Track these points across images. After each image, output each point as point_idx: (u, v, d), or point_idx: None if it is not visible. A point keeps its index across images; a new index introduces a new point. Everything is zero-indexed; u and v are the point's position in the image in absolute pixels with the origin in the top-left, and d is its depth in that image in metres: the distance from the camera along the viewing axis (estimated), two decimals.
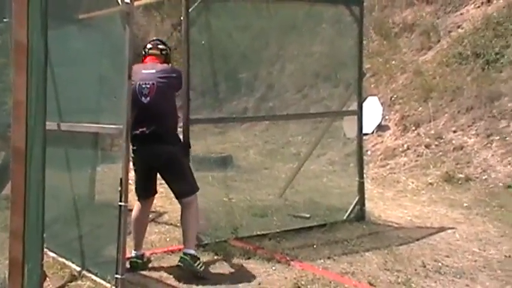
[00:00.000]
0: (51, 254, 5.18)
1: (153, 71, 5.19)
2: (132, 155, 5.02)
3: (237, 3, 7.34)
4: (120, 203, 4.31)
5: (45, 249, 4.12)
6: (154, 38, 5.84)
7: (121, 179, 4.32)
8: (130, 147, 4.96)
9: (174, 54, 6.11)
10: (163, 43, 5.57)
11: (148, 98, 5.07)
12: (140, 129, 5.01)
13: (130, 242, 5.11)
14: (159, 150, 5.05)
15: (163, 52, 5.44)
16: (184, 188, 5.19)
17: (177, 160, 5.18)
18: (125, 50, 4.32)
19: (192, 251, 5.08)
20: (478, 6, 12.06)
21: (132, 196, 5.23)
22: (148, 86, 5.09)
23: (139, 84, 5.08)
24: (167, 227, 6.55)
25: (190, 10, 5.72)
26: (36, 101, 2.83)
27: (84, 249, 5.06)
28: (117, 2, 4.41)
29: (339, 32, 11.26)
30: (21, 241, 3.01)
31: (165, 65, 5.33)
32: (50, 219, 4.36)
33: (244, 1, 7.71)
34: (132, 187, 5.13)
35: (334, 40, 12.17)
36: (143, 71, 5.18)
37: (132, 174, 5.10)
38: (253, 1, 8.02)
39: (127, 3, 4.30)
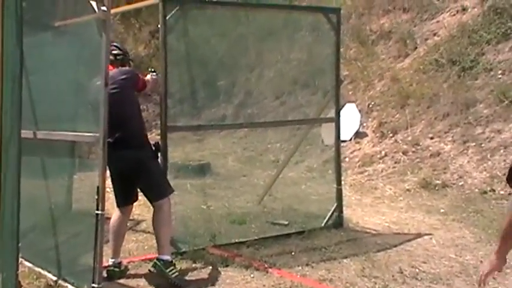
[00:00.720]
0: (27, 264, 5.12)
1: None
2: (108, 161, 5.03)
3: (215, 10, 7.34)
4: (97, 212, 4.29)
5: (20, 259, 4.09)
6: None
7: (98, 187, 4.30)
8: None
9: (152, 61, 6.09)
10: (118, 47, 5.44)
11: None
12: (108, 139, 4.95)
13: (107, 250, 5.07)
14: (125, 155, 4.98)
15: (118, 57, 5.30)
16: (154, 192, 5.15)
17: (144, 164, 5.11)
18: (102, 58, 4.31)
19: (165, 257, 5.04)
20: (454, 14, 12.19)
21: (110, 204, 5.20)
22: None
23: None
24: (145, 235, 6.51)
25: (167, 17, 5.71)
26: (11, 109, 2.81)
27: (61, 258, 5.02)
28: (94, 9, 4.39)
29: (316, 39, 11.33)
30: None
31: (114, 70, 5.09)
32: (26, 228, 4.31)
33: (222, 8, 7.71)
34: (110, 195, 5.11)
35: (312, 47, 12.23)
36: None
37: (110, 182, 5.08)
38: (232, 8, 8.04)
39: (103, 10, 4.29)
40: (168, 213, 5.19)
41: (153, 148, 5.29)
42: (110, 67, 5.14)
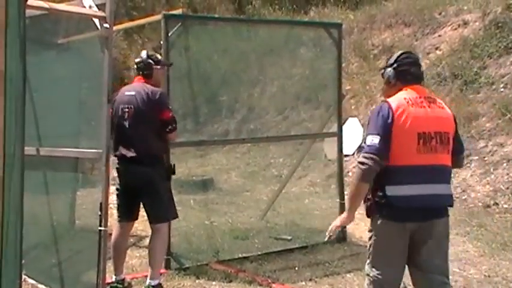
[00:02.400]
0: (30, 281, 5.11)
1: (133, 93, 5.14)
2: (116, 174, 5.13)
3: (216, 26, 7.39)
4: (100, 228, 4.28)
5: (24, 276, 4.08)
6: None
7: (101, 204, 4.30)
8: (115, 167, 5.04)
9: None
10: (141, 56, 5.34)
11: (127, 122, 5.07)
12: (122, 152, 5.07)
13: (110, 267, 5.07)
14: (138, 170, 5.03)
15: (139, 65, 5.27)
16: (157, 213, 5.15)
17: (154, 183, 5.10)
18: (104, 74, 4.33)
19: (155, 282, 5.10)
20: (455, 29, 12.23)
21: (114, 221, 5.21)
22: (127, 109, 5.08)
23: (121, 108, 5.09)
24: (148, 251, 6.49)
25: (170, 33, 5.76)
26: (15, 127, 2.82)
27: (64, 275, 5.00)
28: (96, 27, 4.42)
29: (318, 55, 11.35)
30: None
31: (146, 87, 5.13)
32: (29, 245, 4.32)
33: (224, 24, 7.77)
34: (113, 211, 5.11)
35: (314, 62, 12.26)
36: (126, 93, 5.18)
37: (113, 198, 5.09)
38: (233, 24, 8.09)
39: (106, 27, 4.31)
40: (165, 236, 5.24)
41: (167, 170, 5.28)
42: (141, 79, 5.25)
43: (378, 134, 3.56)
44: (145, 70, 5.25)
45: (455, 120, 3.89)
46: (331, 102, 7.74)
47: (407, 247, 3.72)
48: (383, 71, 3.94)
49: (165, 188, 5.21)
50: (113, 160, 5.11)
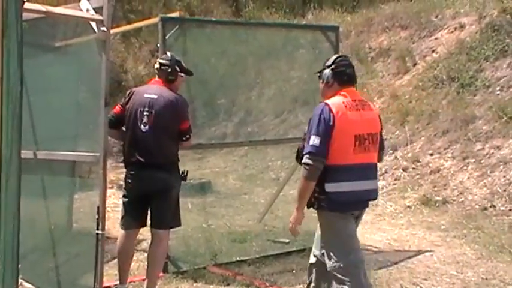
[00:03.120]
0: (27, 285, 5.09)
1: (155, 96, 4.90)
2: (128, 180, 4.92)
3: (214, 29, 7.39)
4: (97, 231, 4.28)
5: (20, 280, 4.08)
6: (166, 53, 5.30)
7: (98, 207, 4.30)
8: (126, 174, 4.93)
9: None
10: (167, 58, 5.12)
11: (147, 127, 4.84)
12: (138, 158, 4.87)
13: (108, 270, 5.07)
14: (156, 176, 4.87)
15: (163, 68, 5.04)
16: (165, 219, 5.00)
17: (170, 189, 4.98)
18: (101, 78, 4.33)
19: None
20: (452, 32, 12.27)
21: (111, 224, 5.19)
22: (147, 114, 4.85)
23: (140, 110, 4.86)
24: (145, 254, 6.46)
25: (167, 36, 5.75)
26: (12, 130, 2.81)
27: (61, 279, 4.99)
28: (93, 30, 4.42)
29: (316, 57, 11.36)
30: None
31: (169, 92, 4.96)
32: (26, 249, 4.31)
33: (222, 27, 7.77)
34: (110, 215, 5.09)
35: (312, 65, 12.25)
36: (145, 95, 4.92)
37: (110, 202, 5.07)
38: (231, 27, 8.09)
39: (103, 30, 4.31)
40: (166, 245, 5.15)
41: (180, 176, 5.10)
42: (161, 82, 5.01)
43: (320, 136, 3.96)
44: (171, 75, 5.02)
45: (380, 120, 4.31)
46: None
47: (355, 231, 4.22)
48: (320, 73, 4.30)
49: (176, 194, 5.09)
50: (110, 164, 5.10)
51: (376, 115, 4.28)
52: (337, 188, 4.02)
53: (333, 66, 4.22)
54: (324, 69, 4.28)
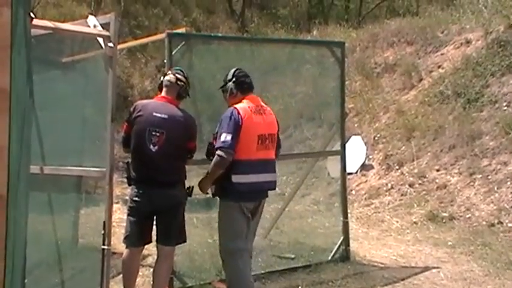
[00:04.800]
0: None
1: (165, 116, 4.80)
2: (136, 198, 4.82)
3: (220, 45, 7.41)
4: (103, 247, 4.28)
5: None
6: (176, 68, 5.22)
7: (104, 222, 4.30)
8: (134, 191, 4.83)
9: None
10: (183, 74, 5.07)
11: (156, 147, 4.76)
12: (148, 176, 4.80)
13: (114, 286, 5.05)
14: (167, 193, 4.84)
15: (179, 83, 4.97)
16: (172, 236, 4.96)
17: (179, 204, 4.97)
18: (108, 93, 4.35)
19: None
20: (458, 47, 12.28)
21: (117, 239, 5.18)
22: (157, 134, 4.76)
23: (148, 130, 4.75)
24: (151, 269, 6.44)
25: (173, 52, 5.76)
26: (20, 145, 2.82)
27: None
28: (100, 46, 4.45)
29: (321, 73, 11.38)
30: (2, 287, 2.97)
31: (179, 112, 4.91)
32: (32, 264, 4.30)
33: (228, 43, 7.79)
34: (116, 229, 5.08)
35: (317, 81, 12.27)
36: (154, 114, 4.80)
37: (116, 217, 5.06)
38: (236, 43, 8.11)
39: (110, 46, 4.34)
40: (172, 263, 5.12)
41: (186, 191, 5.06)
42: (171, 99, 4.93)
43: (231, 133, 4.66)
44: (184, 93, 5.02)
45: (278, 123, 5.09)
46: (334, 121, 7.74)
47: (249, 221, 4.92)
48: (223, 87, 5.05)
49: (183, 210, 5.07)
50: (116, 179, 5.10)
51: (275, 119, 5.03)
52: (242, 179, 4.75)
53: (234, 79, 4.98)
54: (226, 83, 5.01)
